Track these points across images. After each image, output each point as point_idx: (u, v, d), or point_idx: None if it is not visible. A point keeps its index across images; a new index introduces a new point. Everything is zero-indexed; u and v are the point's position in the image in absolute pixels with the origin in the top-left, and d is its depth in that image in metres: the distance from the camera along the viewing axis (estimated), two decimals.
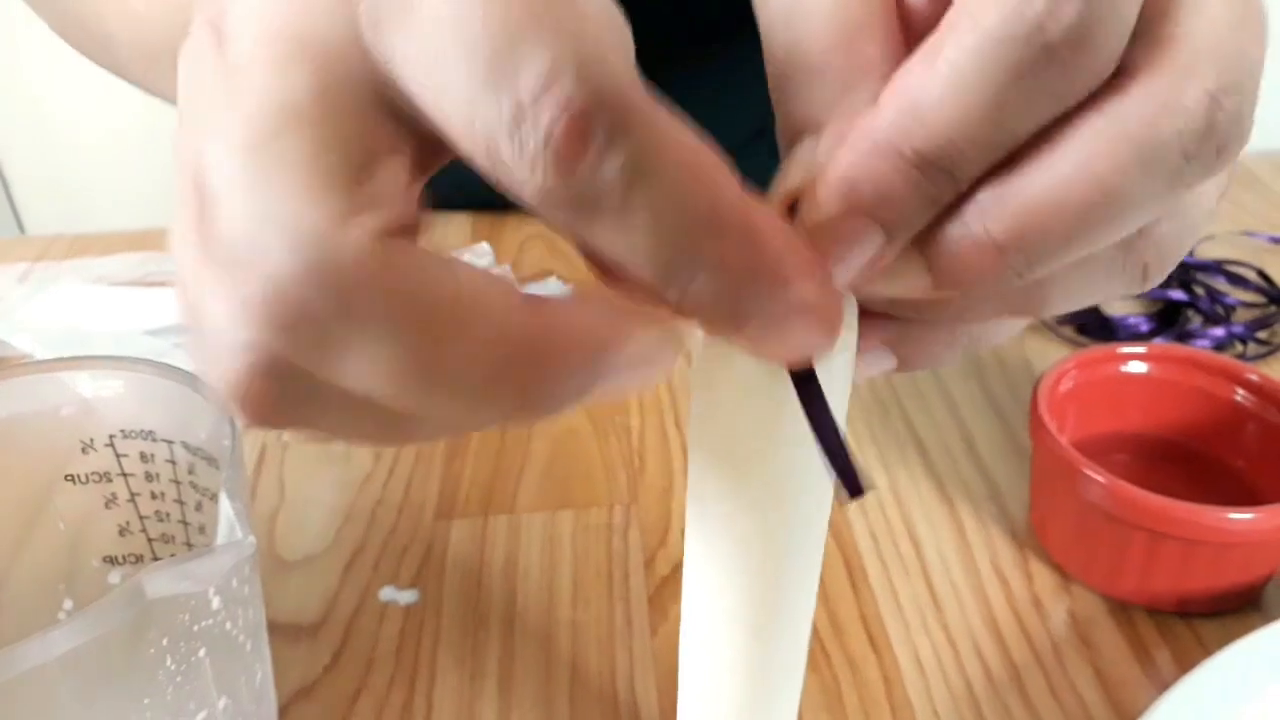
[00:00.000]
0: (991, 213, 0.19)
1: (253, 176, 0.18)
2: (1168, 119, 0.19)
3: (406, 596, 0.42)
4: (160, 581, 0.25)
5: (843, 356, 0.22)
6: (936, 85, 0.19)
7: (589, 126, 0.17)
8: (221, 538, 0.27)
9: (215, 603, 0.28)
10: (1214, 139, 0.19)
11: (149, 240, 0.68)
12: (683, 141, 0.18)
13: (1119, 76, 0.19)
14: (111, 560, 0.37)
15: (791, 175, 0.21)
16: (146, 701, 0.27)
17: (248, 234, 0.18)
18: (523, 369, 0.18)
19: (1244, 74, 0.19)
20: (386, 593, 0.42)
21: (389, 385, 0.18)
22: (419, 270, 0.18)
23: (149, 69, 0.43)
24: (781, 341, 0.19)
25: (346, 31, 0.18)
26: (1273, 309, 0.58)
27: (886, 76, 0.20)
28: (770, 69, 0.22)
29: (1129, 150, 0.19)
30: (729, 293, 0.18)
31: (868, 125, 0.19)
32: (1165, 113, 0.19)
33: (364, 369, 0.18)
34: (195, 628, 0.28)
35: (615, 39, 0.18)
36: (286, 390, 0.19)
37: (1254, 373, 0.44)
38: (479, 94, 0.17)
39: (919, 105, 0.19)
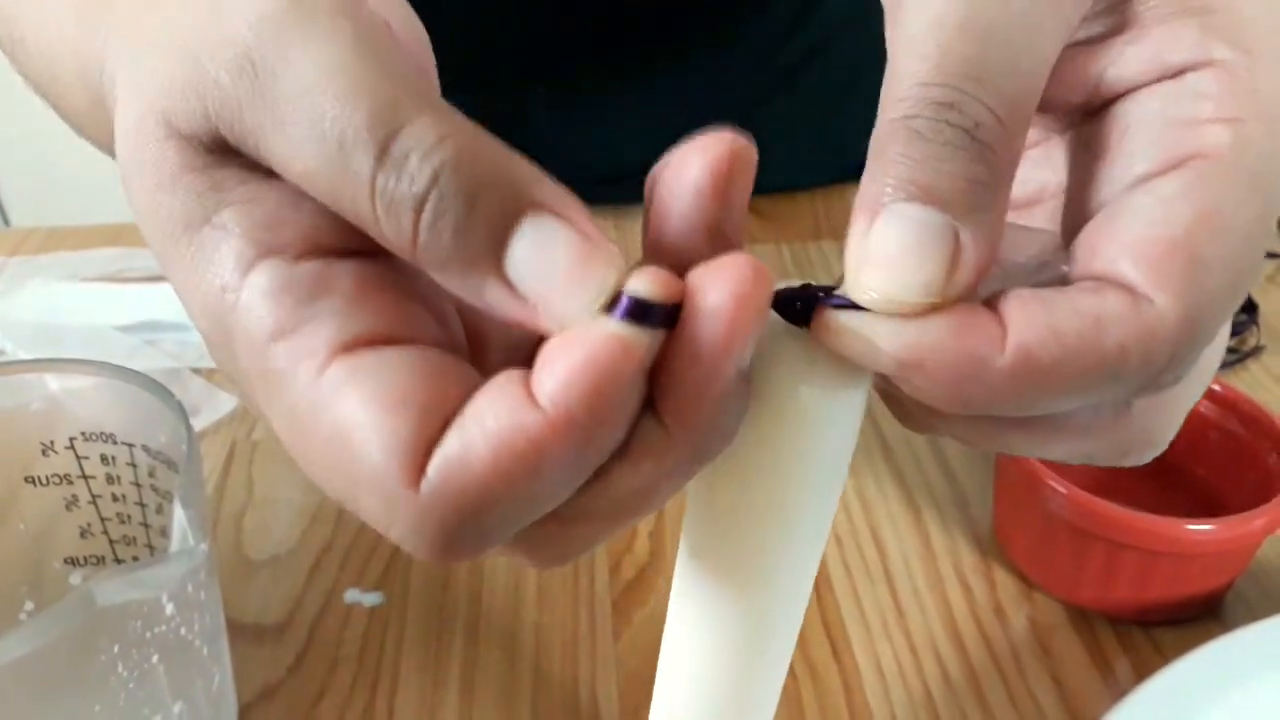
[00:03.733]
0: None
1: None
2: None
3: (371, 598, 0.42)
4: (110, 589, 0.25)
5: (854, 394, 0.21)
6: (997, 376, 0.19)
7: (445, 555, 0.19)
8: (175, 545, 0.27)
9: (169, 609, 0.28)
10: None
11: (125, 234, 0.68)
12: (476, 467, 0.18)
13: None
14: (73, 562, 0.37)
15: (901, 268, 0.19)
16: (98, 708, 0.27)
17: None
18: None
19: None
20: (351, 594, 0.43)
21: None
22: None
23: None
24: None
25: None
26: (1242, 317, 0.58)
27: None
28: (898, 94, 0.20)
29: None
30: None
31: (968, 343, 0.19)
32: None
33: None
34: (148, 634, 0.28)
35: (390, 456, 0.18)
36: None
37: (1216, 383, 0.44)
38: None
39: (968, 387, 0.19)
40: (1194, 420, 0.44)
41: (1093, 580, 0.40)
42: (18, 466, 0.35)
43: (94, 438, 0.35)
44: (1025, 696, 0.38)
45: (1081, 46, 0.22)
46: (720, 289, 0.18)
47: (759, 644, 0.26)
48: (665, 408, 0.19)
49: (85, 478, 0.35)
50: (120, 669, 0.27)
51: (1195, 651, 0.35)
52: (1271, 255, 0.64)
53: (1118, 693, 0.36)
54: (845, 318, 0.19)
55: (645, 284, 0.18)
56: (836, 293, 0.20)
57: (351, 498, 0.19)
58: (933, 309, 0.19)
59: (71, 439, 0.35)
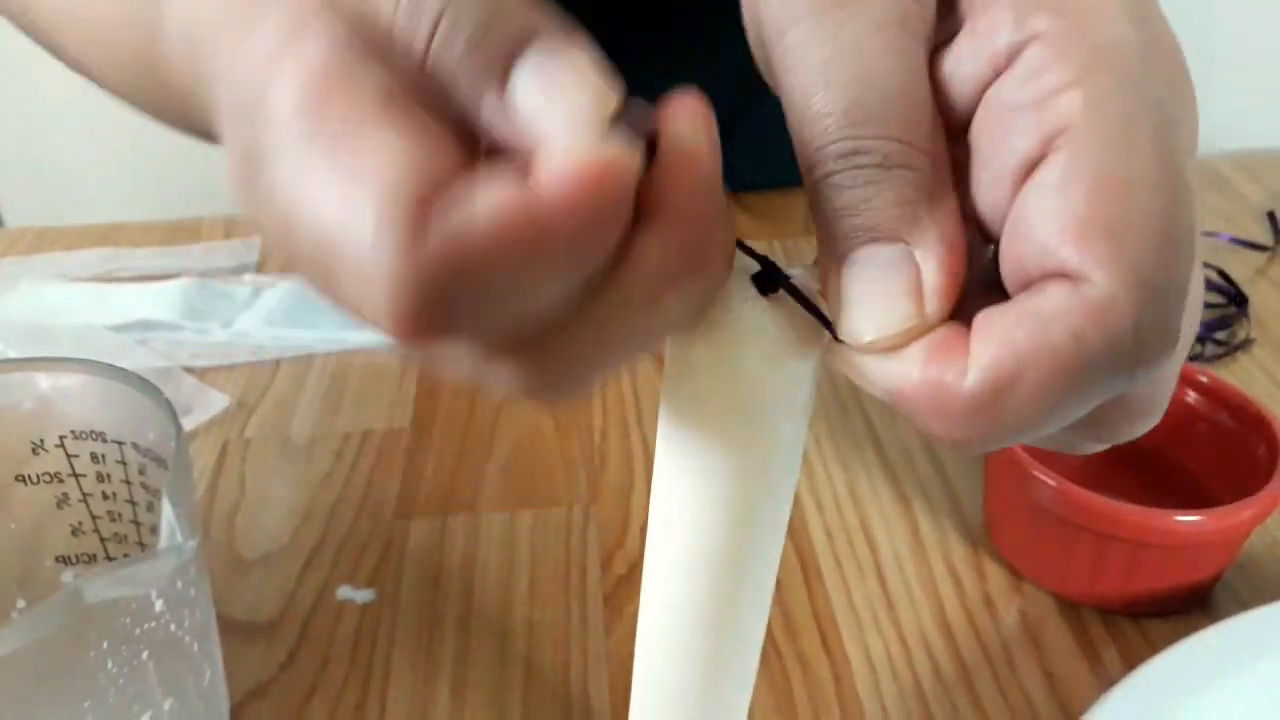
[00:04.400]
0: None
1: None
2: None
3: (363, 595, 0.42)
4: (99, 586, 0.25)
5: (803, 366, 0.22)
6: (1018, 398, 0.19)
7: (418, 319, 0.18)
8: (163, 541, 0.27)
9: (158, 606, 0.28)
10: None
11: (116, 234, 0.68)
12: (488, 225, 0.18)
13: None
14: (65, 560, 0.37)
15: (872, 308, 0.20)
16: (88, 704, 0.27)
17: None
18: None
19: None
20: (343, 591, 0.43)
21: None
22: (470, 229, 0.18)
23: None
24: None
25: None
26: (1232, 309, 0.59)
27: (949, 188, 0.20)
28: (810, 136, 0.21)
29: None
30: None
31: (938, 376, 0.19)
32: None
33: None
34: (137, 631, 0.28)
35: (399, 184, 0.18)
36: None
37: (1205, 374, 0.44)
38: None
39: (995, 407, 0.19)
40: (1183, 412, 0.44)
41: (1082, 572, 0.40)
42: (8, 465, 0.35)
43: (84, 436, 0.35)
44: (1015, 687, 0.38)
45: (938, 53, 0.22)
46: (687, 101, 0.20)
47: (723, 611, 0.26)
48: (660, 204, 0.19)
49: (76, 476, 0.35)
50: (109, 666, 0.28)
51: (1184, 642, 0.35)
52: (1259, 248, 0.65)
53: (1107, 683, 0.36)
54: (847, 354, 0.21)
55: (631, 108, 0.19)
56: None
57: (342, 217, 0.18)
58: (917, 334, 0.20)
59: (61, 437, 0.35)
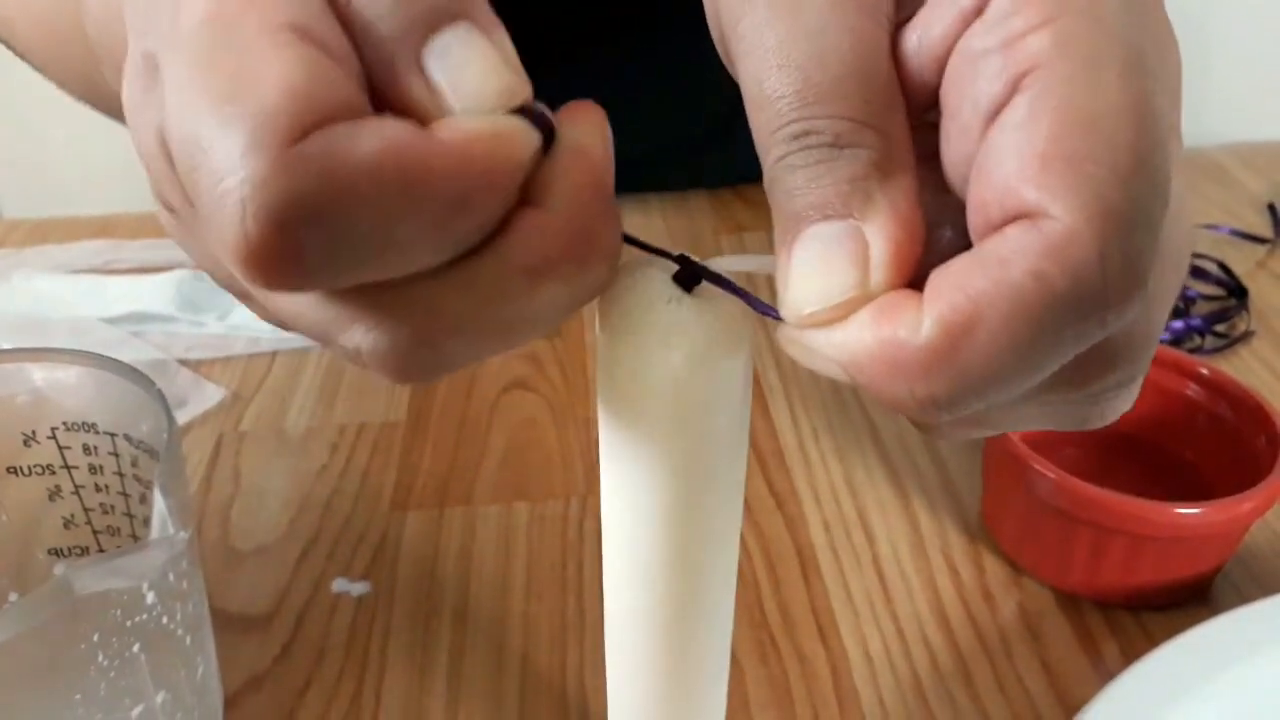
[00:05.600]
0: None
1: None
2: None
3: (359, 588, 0.42)
4: (88, 577, 0.25)
5: (731, 363, 0.22)
6: (976, 344, 0.18)
7: (271, 239, 0.17)
8: (154, 533, 0.27)
9: (149, 598, 0.28)
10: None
11: (111, 225, 0.67)
12: (369, 157, 0.17)
13: None
14: (57, 552, 0.37)
15: (812, 282, 0.20)
16: (78, 697, 0.27)
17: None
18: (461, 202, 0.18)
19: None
20: (339, 584, 0.42)
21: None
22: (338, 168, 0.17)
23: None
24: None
25: None
26: (1232, 302, 0.58)
27: (907, 158, 0.20)
28: (763, 117, 0.21)
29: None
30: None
31: (893, 337, 0.19)
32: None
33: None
34: (128, 623, 0.28)
35: (282, 100, 0.17)
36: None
37: (1205, 366, 0.44)
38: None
39: (952, 355, 0.18)
40: (1182, 404, 0.44)
41: (1081, 565, 0.40)
42: (0, 457, 0.35)
43: (76, 428, 0.34)
44: (1013, 681, 0.38)
45: (906, 27, 0.21)
46: (587, 107, 0.21)
47: (677, 612, 0.26)
48: (550, 193, 0.19)
49: (68, 468, 0.35)
50: (100, 658, 0.27)
51: (1183, 635, 0.35)
52: (1259, 240, 0.64)
53: (1106, 676, 0.36)
54: (794, 335, 0.20)
55: (542, 106, 0.19)
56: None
57: (217, 129, 0.17)
58: (859, 304, 0.19)
59: (54, 429, 0.34)
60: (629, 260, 0.22)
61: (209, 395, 0.53)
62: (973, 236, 0.19)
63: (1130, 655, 0.39)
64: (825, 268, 0.19)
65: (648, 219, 0.68)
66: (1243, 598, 0.41)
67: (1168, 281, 0.21)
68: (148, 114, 0.20)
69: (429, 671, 0.39)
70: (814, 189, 0.20)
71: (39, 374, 0.34)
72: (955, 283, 0.18)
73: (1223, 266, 0.61)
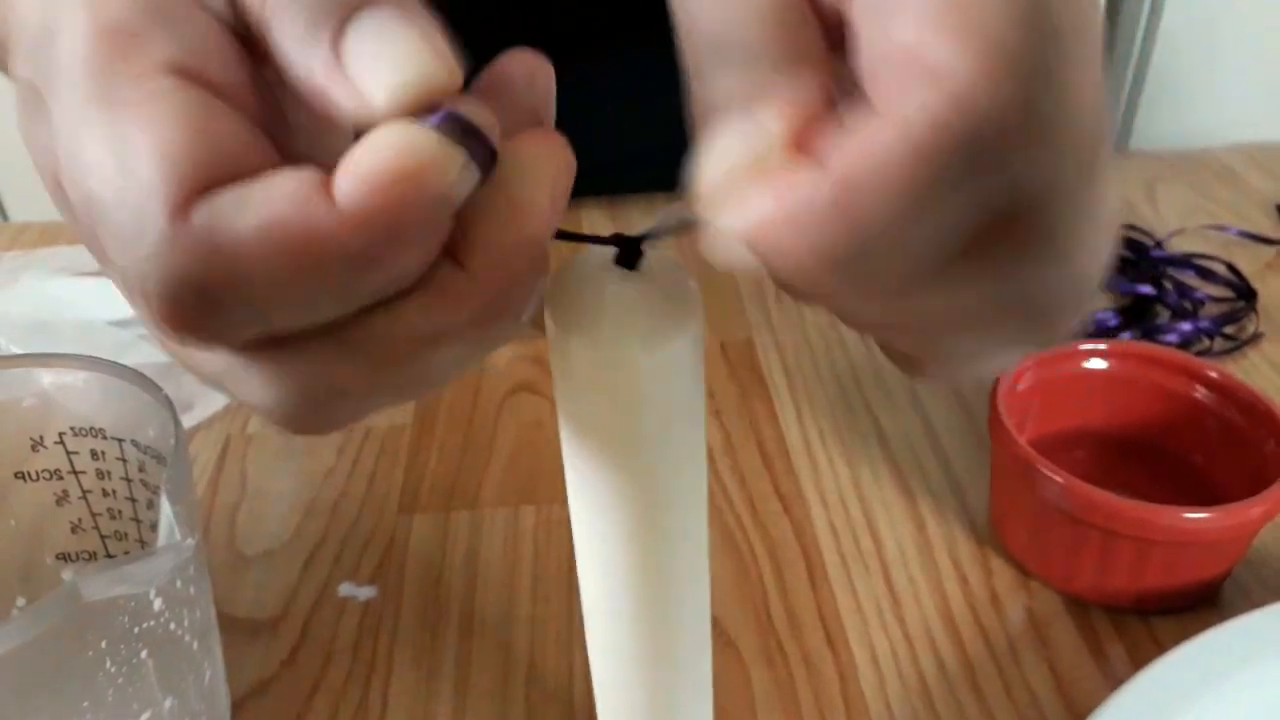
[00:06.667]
0: None
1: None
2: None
3: (365, 592, 0.42)
4: (96, 584, 0.25)
5: (684, 340, 0.22)
6: (868, 183, 0.17)
7: (174, 312, 0.17)
8: (162, 539, 0.27)
9: (157, 604, 0.28)
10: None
11: None
12: (245, 228, 0.17)
13: None
14: (65, 557, 0.37)
15: (713, 173, 0.20)
16: (86, 704, 0.27)
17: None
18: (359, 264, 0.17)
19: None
20: (345, 588, 0.42)
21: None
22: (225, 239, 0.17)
23: None
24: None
25: None
26: (1241, 304, 0.58)
27: (814, 61, 0.19)
28: (691, 41, 0.21)
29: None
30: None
31: (790, 195, 0.18)
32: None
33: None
34: (136, 629, 0.28)
35: (160, 172, 0.17)
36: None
37: (1213, 369, 0.44)
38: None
39: (846, 198, 0.17)
40: (1191, 407, 0.44)
41: (1089, 569, 0.40)
42: (9, 462, 0.35)
43: (83, 433, 0.34)
44: (1021, 686, 0.38)
45: None
46: (546, 140, 0.19)
47: (649, 608, 0.26)
48: (473, 252, 0.18)
49: (75, 473, 0.35)
50: (108, 664, 0.27)
51: (1192, 640, 0.35)
52: (1269, 241, 0.64)
53: (1114, 682, 0.36)
54: (713, 233, 0.19)
55: (471, 106, 0.18)
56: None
57: (115, 188, 0.17)
58: (756, 170, 0.19)
59: (61, 434, 0.35)
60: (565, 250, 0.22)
61: (215, 399, 0.53)
62: (867, 89, 0.19)
63: (1138, 660, 0.39)
64: (721, 147, 0.19)
65: (650, 220, 0.68)
66: (1251, 602, 0.41)
67: (1086, 155, 0.19)
68: (39, 141, 0.20)
69: (436, 675, 0.39)
70: (723, 97, 0.20)
71: (47, 378, 0.34)
72: (850, 137, 0.18)
73: (1231, 268, 0.61)
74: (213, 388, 0.21)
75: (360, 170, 0.17)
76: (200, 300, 0.17)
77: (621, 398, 0.22)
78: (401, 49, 0.18)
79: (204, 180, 0.17)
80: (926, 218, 0.17)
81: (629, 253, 0.22)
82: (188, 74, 0.18)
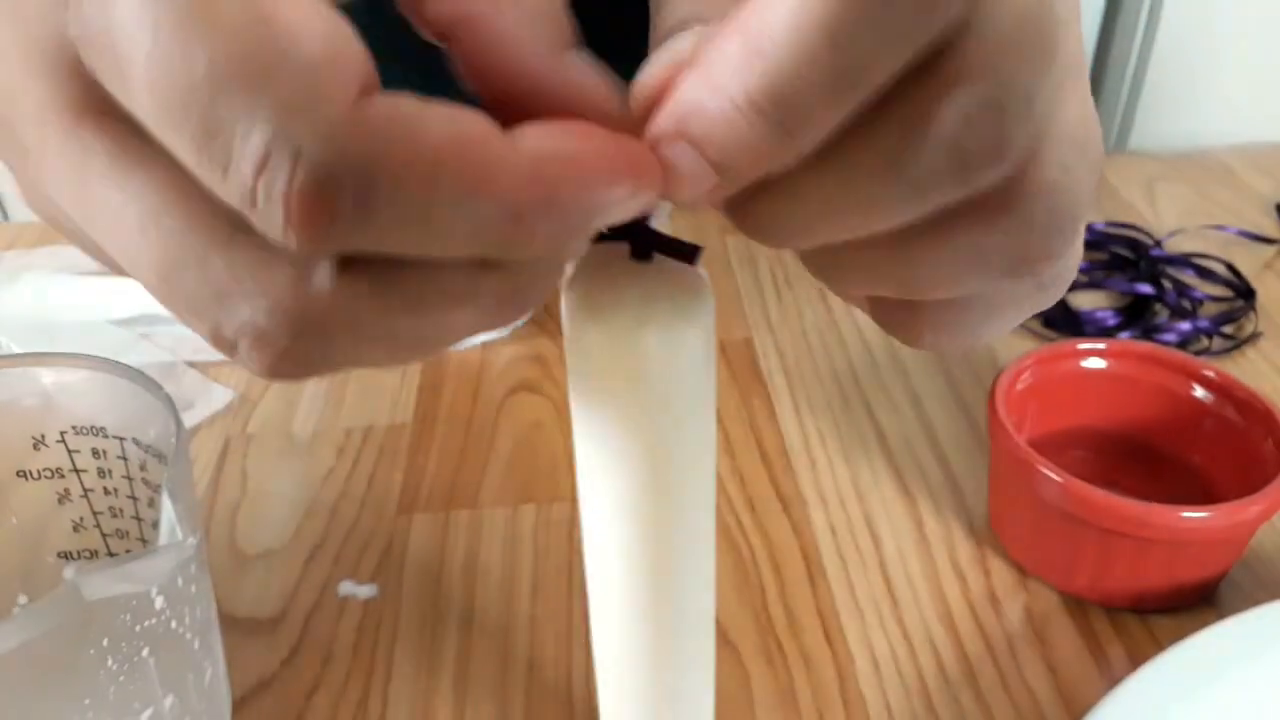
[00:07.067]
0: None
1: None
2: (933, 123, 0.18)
3: (365, 591, 0.42)
4: (98, 583, 0.25)
5: (698, 329, 0.22)
6: (775, 21, 0.17)
7: (322, 198, 0.16)
8: (163, 538, 0.27)
9: (159, 603, 0.28)
10: (960, 159, 0.18)
11: None
12: (431, 136, 0.16)
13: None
14: (66, 555, 0.37)
15: (652, 72, 0.20)
16: (87, 701, 0.27)
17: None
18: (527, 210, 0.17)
19: (1018, 86, 0.18)
20: (345, 587, 0.43)
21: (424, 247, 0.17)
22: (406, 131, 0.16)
23: None
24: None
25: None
26: (1240, 303, 0.58)
27: None
28: None
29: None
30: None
31: (706, 58, 0.18)
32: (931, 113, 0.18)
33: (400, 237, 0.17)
34: (137, 628, 0.28)
35: (338, 54, 0.16)
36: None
37: (1211, 369, 0.44)
38: (206, 171, 0.16)
39: (758, 42, 0.17)
40: (1189, 407, 0.44)
41: (1087, 568, 0.40)
42: (10, 461, 0.35)
43: (85, 431, 0.34)
44: (1020, 685, 0.38)
45: None
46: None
47: (656, 600, 0.26)
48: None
49: (77, 471, 0.35)
50: (110, 663, 0.27)
51: (1190, 639, 0.35)
52: (1267, 241, 0.64)
53: (1112, 680, 0.36)
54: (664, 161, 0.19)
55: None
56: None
57: (252, 73, 0.15)
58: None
59: (62, 433, 0.35)
60: None
61: (217, 397, 0.53)
62: None
63: (1136, 659, 0.39)
64: (658, 60, 0.19)
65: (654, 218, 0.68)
66: (1249, 601, 0.41)
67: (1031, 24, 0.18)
68: (26, 12, 0.18)
69: (436, 674, 0.39)
70: (672, 32, 0.20)
71: (48, 378, 0.34)
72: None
73: (1230, 268, 0.61)
74: (187, 308, 0.19)
75: (556, 133, 0.17)
76: (360, 188, 0.16)
77: (638, 387, 0.22)
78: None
79: (372, 80, 0.16)
80: (843, 46, 0.17)
81: (642, 244, 0.22)
82: None
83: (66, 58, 0.18)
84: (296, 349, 0.19)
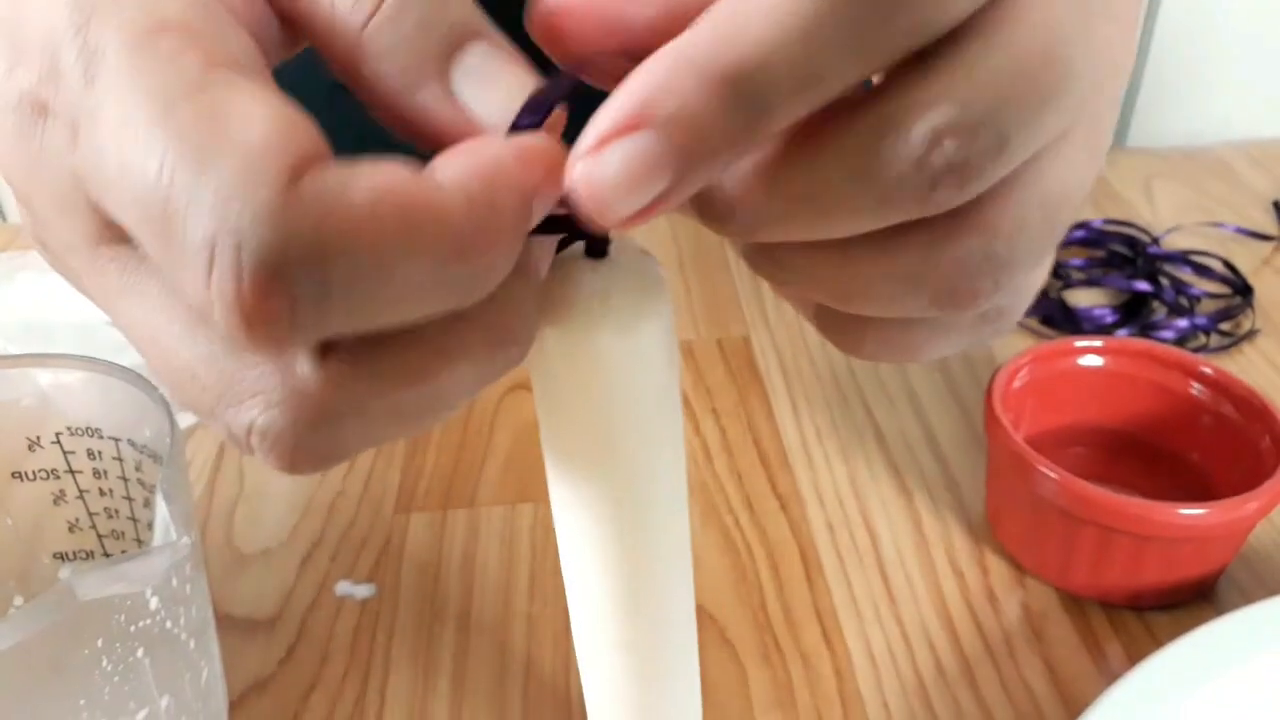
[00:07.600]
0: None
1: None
2: (891, 140, 0.18)
3: (362, 590, 0.42)
4: (92, 583, 0.25)
5: (655, 324, 0.22)
6: (752, 9, 0.17)
7: (275, 286, 0.16)
8: (158, 538, 0.27)
9: (153, 603, 0.28)
10: (923, 174, 0.18)
11: None
12: (356, 198, 0.16)
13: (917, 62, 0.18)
14: (62, 556, 0.37)
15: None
16: (82, 702, 0.27)
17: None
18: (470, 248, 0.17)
19: (996, 121, 0.18)
20: (343, 587, 0.42)
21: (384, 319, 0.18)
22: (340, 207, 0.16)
23: None
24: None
25: None
26: (1237, 300, 0.58)
27: None
28: None
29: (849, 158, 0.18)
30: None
31: (679, 39, 0.17)
32: (891, 131, 0.18)
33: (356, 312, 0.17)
34: (132, 628, 0.28)
35: (275, 135, 0.16)
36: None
37: (1208, 366, 0.44)
38: (173, 274, 0.17)
39: (733, 22, 0.17)
40: (1187, 404, 0.44)
41: (1085, 565, 0.40)
42: (5, 462, 0.35)
43: (80, 432, 0.34)
44: (1018, 682, 0.38)
45: None
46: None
47: (630, 600, 0.26)
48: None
49: (72, 472, 0.35)
50: (104, 663, 0.27)
51: (1188, 635, 0.35)
52: (1265, 237, 0.64)
53: (1110, 677, 0.36)
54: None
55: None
56: None
57: (187, 172, 0.16)
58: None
59: (58, 434, 0.35)
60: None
61: None
62: None
63: (1134, 655, 0.39)
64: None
65: (653, 223, 0.68)
66: (1247, 598, 0.41)
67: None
68: (48, 162, 0.19)
69: (433, 673, 0.39)
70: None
71: (44, 378, 0.34)
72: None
73: (1228, 264, 0.61)
74: (198, 411, 0.20)
75: (468, 162, 0.17)
76: (303, 270, 0.16)
77: (596, 386, 0.22)
78: (516, 92, 0.19)
79: (309, 157, 0.16)
80: (819, 39, 0.17)
81: (596, 242, 0.22)
82: (253, 73, 0.18)
83: (81, 193, 0.19)
84: (307, 443, 0.19)
